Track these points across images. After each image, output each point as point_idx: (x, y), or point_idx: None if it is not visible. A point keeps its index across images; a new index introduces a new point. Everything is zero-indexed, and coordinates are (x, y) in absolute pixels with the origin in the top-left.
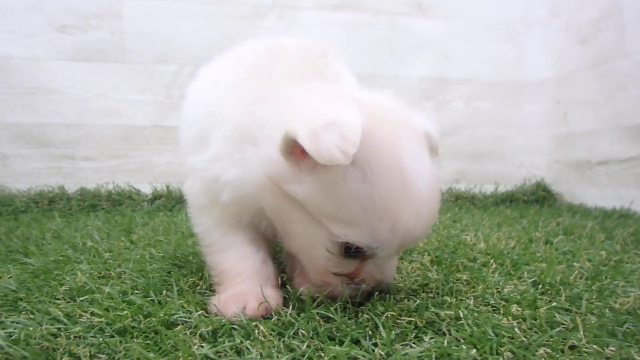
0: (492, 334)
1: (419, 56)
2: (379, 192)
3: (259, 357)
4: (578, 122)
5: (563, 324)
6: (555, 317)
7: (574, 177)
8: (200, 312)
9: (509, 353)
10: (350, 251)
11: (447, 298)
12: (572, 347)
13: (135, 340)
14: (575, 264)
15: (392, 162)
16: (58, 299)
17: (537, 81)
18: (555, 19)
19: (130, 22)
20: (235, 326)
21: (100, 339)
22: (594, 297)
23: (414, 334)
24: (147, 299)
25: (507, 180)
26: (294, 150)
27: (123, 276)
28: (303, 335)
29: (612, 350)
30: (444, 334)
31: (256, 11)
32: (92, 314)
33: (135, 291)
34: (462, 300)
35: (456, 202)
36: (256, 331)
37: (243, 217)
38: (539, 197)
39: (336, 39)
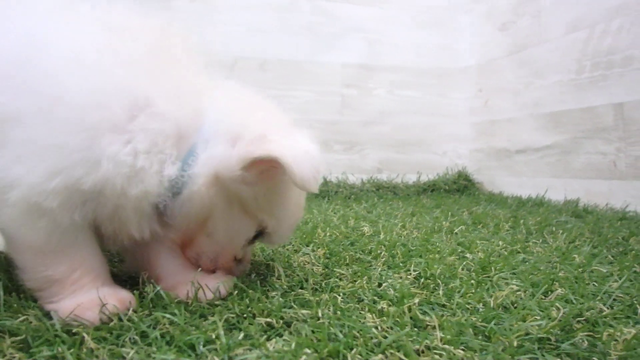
0: (341, 335)
1: (343, 42)
2: (293, 194)
3: None
4: (498, 110)
5: (428, 322)
6: (419, 315)
7: (495, 166)
8: (25, 317)
9: (358, 355)
10: (254, 238)
11: (314, 296)
12: (427, 348)
13: None
14: (467, 255)
15: None
16: None
17: (462, 68)
18: (478, 4)
19: None
20: (62, 334)
21: None
22: (472, 291)
23: (266, 336)
24: None
25: (431, 170)
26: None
27: None
28: (135, 341)
29: (462, 353)
30: (299, 334)
31: None
32: None
33: None
34: (334, 296)
35: (377, 192)
36: (87, 336)
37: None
38: (460, 186)
39: (257, 23)
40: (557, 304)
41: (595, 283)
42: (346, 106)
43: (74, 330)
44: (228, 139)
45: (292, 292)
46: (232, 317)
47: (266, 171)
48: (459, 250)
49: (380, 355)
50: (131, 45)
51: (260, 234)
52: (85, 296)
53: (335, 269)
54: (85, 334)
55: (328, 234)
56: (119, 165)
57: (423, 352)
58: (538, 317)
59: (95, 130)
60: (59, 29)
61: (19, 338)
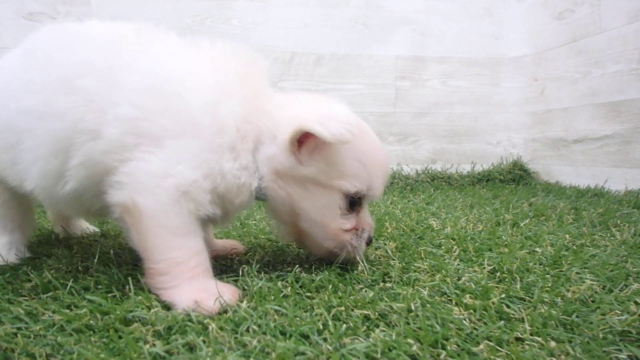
0: (439, 327)
1: (395, 35)
2: (367, 150)
3: (209, 354)
4: (555, 99)
5: (512, 314)
6: (504, 307)
7: (550, 155)
8: (156, 308)
9: (455, 346)
10: (353, 205)
11: (402, 290)
12: (517, 339)
13: (92, 339)
14: (537, 249)
15: (364, 128)
16: (23, 296)
17: (515, 58)
18: None
19: (98, 7)
20: (190, 323)
21: (59, 338)
22: (549, 285)
23: (365, 327)
24: (110, 294)
25: (484, 159)
26: (294, 144)
27: (90, 270)
28: (254, 330)
29: (554, 344)
30: (394, 326)
31: None
32: (53, 311)
33: (99, 287)
34: (418, 290)
35: (432, 182)
36: (210, 327)
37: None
38: (515, 176)
39: (309, 19)
40: (636, 299)
41: None
42: (399, 98)
43: (197, 320)
44: (271, 138)
45: (377, 286)
46: (332, 309)
47: (315, 146)
48: (528, 244)
49: (480, 346)
50: (233, 81)
51: (357, 200)
52: (200, 284)
53: (411, 263)
54: (211, 324)
55: (395, 227)
56: (235, 178)
57: (512, 342)
58: (618, 312)
59: (223, 150)
60: (191, 71)
61: (158, 327)
